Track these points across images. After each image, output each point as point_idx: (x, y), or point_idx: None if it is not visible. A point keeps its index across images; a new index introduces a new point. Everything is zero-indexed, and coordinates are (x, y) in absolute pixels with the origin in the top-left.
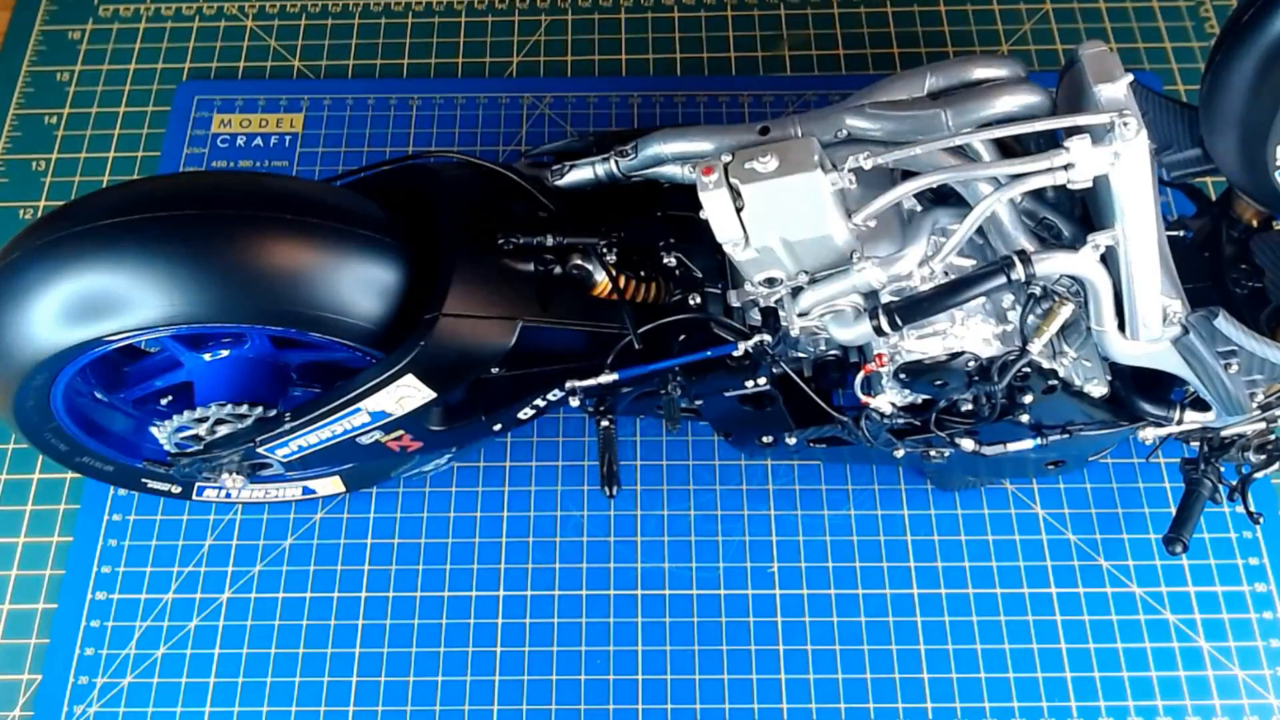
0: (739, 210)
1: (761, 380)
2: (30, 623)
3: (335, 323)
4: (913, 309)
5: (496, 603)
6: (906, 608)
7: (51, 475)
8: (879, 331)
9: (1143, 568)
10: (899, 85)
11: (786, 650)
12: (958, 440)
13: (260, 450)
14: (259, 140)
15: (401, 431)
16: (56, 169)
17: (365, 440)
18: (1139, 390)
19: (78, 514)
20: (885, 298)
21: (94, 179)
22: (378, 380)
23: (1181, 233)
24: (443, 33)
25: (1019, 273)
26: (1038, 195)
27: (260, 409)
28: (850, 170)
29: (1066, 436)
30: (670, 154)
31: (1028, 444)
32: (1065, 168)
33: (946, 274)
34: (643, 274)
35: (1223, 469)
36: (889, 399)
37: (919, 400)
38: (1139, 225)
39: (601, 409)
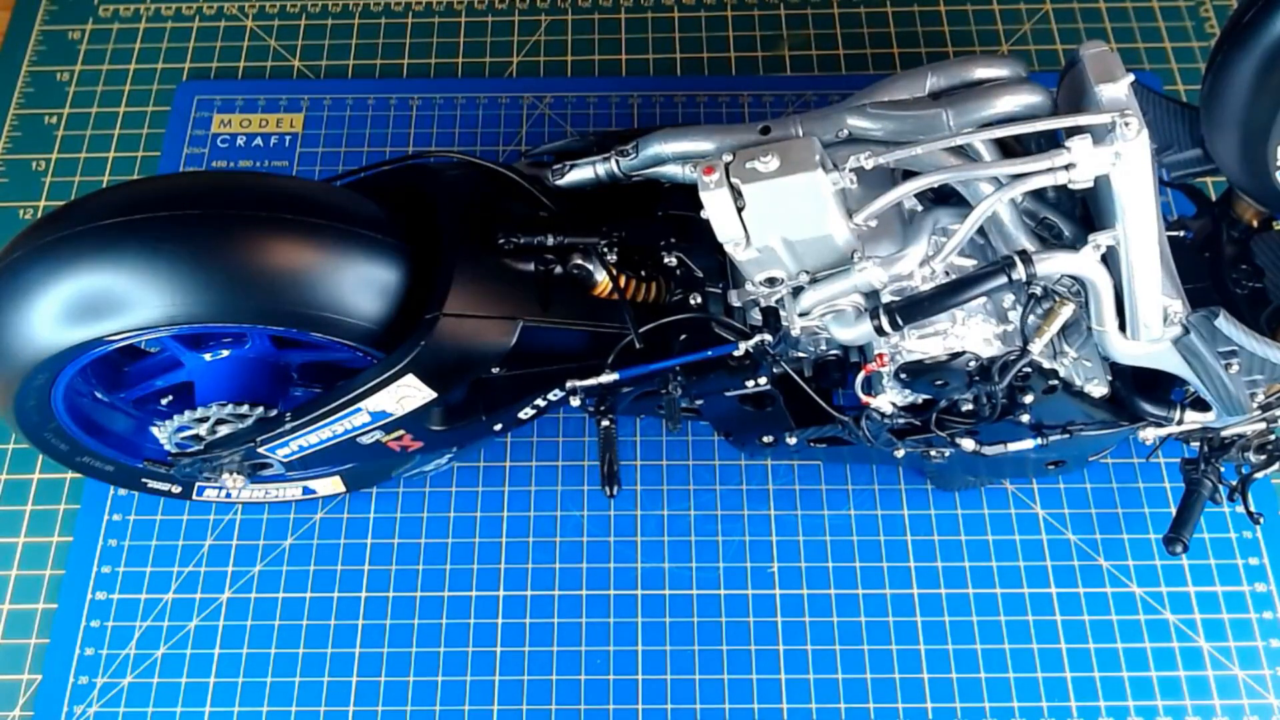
0: (740, 210)
1: (762, 380)
2: (30, 623)
3: (336, 323)
4: (913, 309)
5: (496, 603)
6: (906, 608)
7: (51, 475)
8: (880, 331)
9: (1143, 568)
10: (900, 85)
11: (786, 650)
12: (958, 440)
13: (261, 450)
14: (259, 140)
15: (402, 431)
16: (56, 169)
17: (366, 440)
18: (1139, 390)
19: (78, 514)
20: (886, 297)
21: (94, 179)
22: (378, 380)
23: (1182, 233)
24: (443, 33)
25: (1020, 273)
26: (1038, 195)
27: (261, 409)
28: (851, 170)
29: (1067, 436)
30: (671, 153)
31: (1028, 444)
32: (1066, 168)
33: (947, 274)
34: (643, 274)
35: (1223, 469)
36: (890, 399)
37: (919, 400)
38: (1140, 225)
39: (602, 409)
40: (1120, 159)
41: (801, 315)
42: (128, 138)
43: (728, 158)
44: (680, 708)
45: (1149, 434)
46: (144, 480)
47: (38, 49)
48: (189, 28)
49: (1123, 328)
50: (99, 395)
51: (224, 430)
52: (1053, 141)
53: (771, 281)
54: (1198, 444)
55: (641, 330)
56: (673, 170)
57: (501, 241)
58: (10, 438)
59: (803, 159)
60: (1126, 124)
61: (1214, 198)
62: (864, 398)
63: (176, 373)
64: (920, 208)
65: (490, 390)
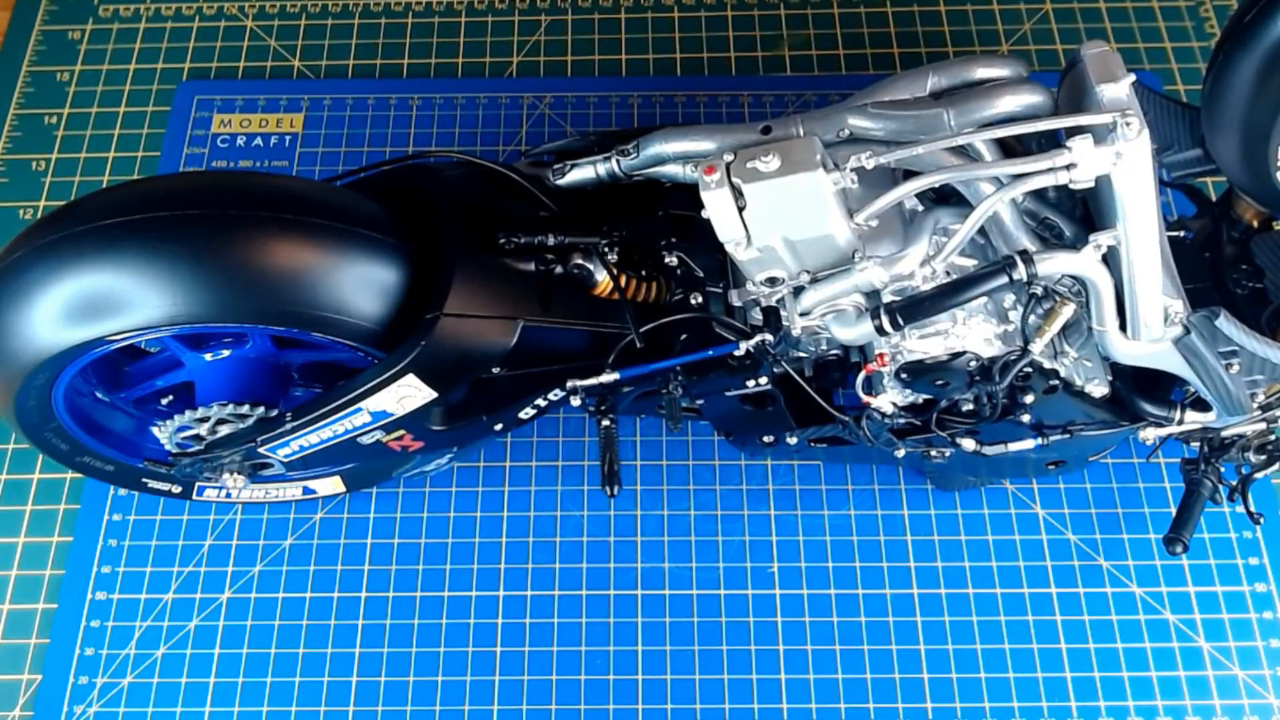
0: (741, 209)
1: (763, 380)
2: (30, 623)
3: (337, 323)
4: (914, 309)
5: (496, 603)
6: (906, 608)
7: (51, 475)
8: (880, 331)
9: (1143, 568)
10: (901, 85)
11: (786, 650)
12: (959, 440)
13: (261, 450)
14: (259, 140)
15: (403, 431)
16: (56, 169)
17: (366, 440)
18: (1139, 390)
19: (78, 514)
20: (887, 297)
21: (94, 179)
22: (379, 380)
23: (1182, 233)
24: (443, 33)
25: (1021, 272)
26: (1039, 195)
27: (261, 409)
28: (852, 170)
29: (1067, 436)
30: (672, 153)
31: (1029, 444)
32: (1067, 167)
33: (948, 274)
34: (644, 273)
35: (1223, 469)
36: (890, 399)
37: (920, 400)
38: (1141, 225)
39: (603, 408)
40: (1121, 159)
41: (802, 315)
42: (128, 138)
43: (729, 157)
44: (680, 708)
45: (1149, 434)
46: (144, 480)
47: (38, 49)
48: (189, 28)
49: (1123, 328)
50: (99, 395)
51: (225, 430)
52: (1053, 141)
53: (772, 281)
54: (1198, 444)
55: (642, 330)
56: (673, 170)
57: (502, 241)
58: (10, 438)
59: (804, 159)
60: (1128, 124)
61: (1214, 198)
62: (865, 398)
63: (177, 372)
64: (921, 207)
65: (491, 390)
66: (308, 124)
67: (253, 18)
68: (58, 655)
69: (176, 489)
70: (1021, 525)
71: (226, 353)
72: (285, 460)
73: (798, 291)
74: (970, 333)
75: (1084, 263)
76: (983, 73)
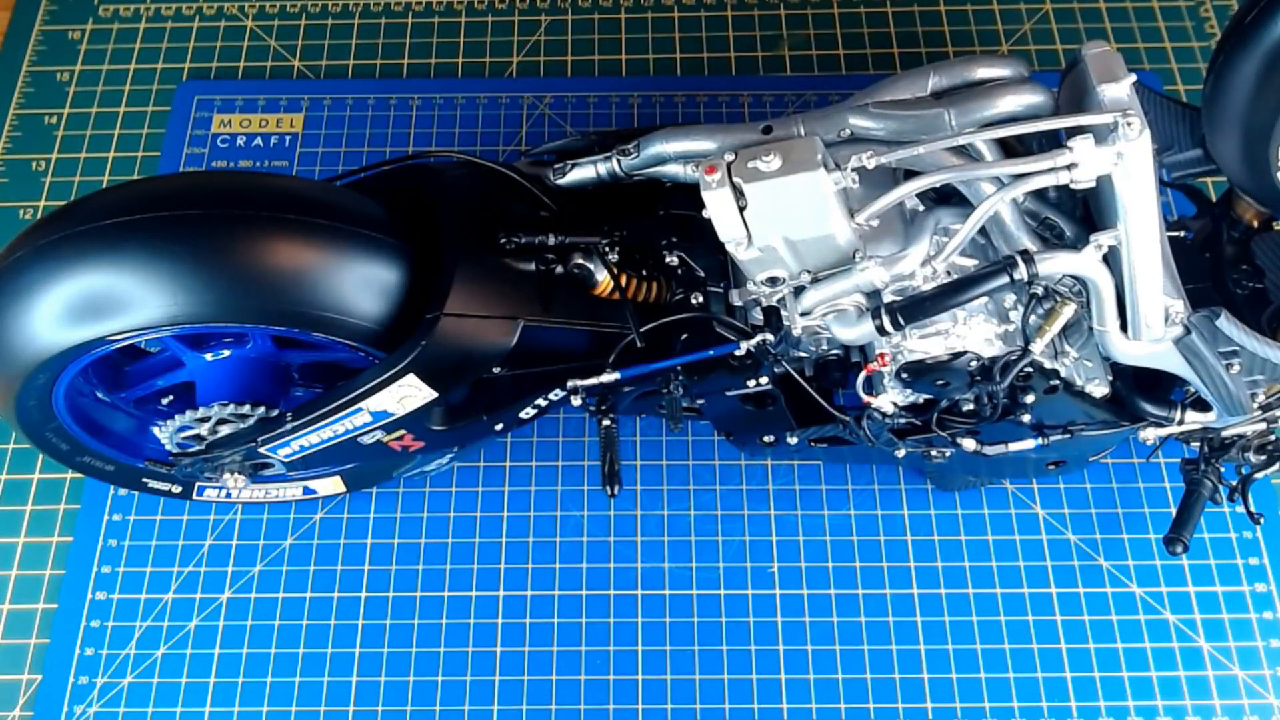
0: (742, 209)
1: (763, 380)
2: (30, 623)
3: (338, 323)
4: (915, 308)
5: (496, 603)
6: (906, 608)
7: (51, 475)
8: (881, 331)
9: (1143, 568)
10: (902, 85)
11: (786, 650)
12: (959, 440)
13: (262, 450)
14: (259, 140)
15: (403, 431)
16: (56, 169)
17: (367, 440)
18: (1140, 390)
19: (78, 514)
20: (888, 297)
21: (94, 179)
22: (379, 380)
23: (1182, 233)
24: (443, 33)
25: (1022, 272)
26: (1040, 195)
27: (262, 409)
28: (853, 169)
29: (1068, 436)
30: (673, 153)
31: (1029, 444)
32: (1068, 167)
33: (949, 273)
34: (644, 273)
35: (1223, 469)
36: (891, 399)
37: (920, 400)
38: (1142, 225)
39: (603, 408)
40: (1122, 159)
41: (803, 315)
42: (128, 138)
43: (730, 157)
44: (680, 708)
45: (1149, 434)
46: (145, 480)
47: (38, 49)
48: (189, 28)
49: (1124, 328)
50: (100, 395)
51: (225, 430)
52: (1054, 141)
53: (773, 281)
54: (1198, 444)
55: (643, 329)
56: (674, 169)
57: (502, 241)
58: (10, 437)
59: (805, 158)
60: (1129, 124)
61: (1214, 198)
62: (865, 397)
63: (178, 372)
64: (922, 207)
65: (491, 390)
66: (308, 124)
67: (253, 18)
68: (58, 655)
69: (177, 489)
70: (1021, 525)
71: (227, 353)
72: (286, 460)
73: (798, 291)
74: (971, 333)
75: (1085, 263)
76: (984, 73)
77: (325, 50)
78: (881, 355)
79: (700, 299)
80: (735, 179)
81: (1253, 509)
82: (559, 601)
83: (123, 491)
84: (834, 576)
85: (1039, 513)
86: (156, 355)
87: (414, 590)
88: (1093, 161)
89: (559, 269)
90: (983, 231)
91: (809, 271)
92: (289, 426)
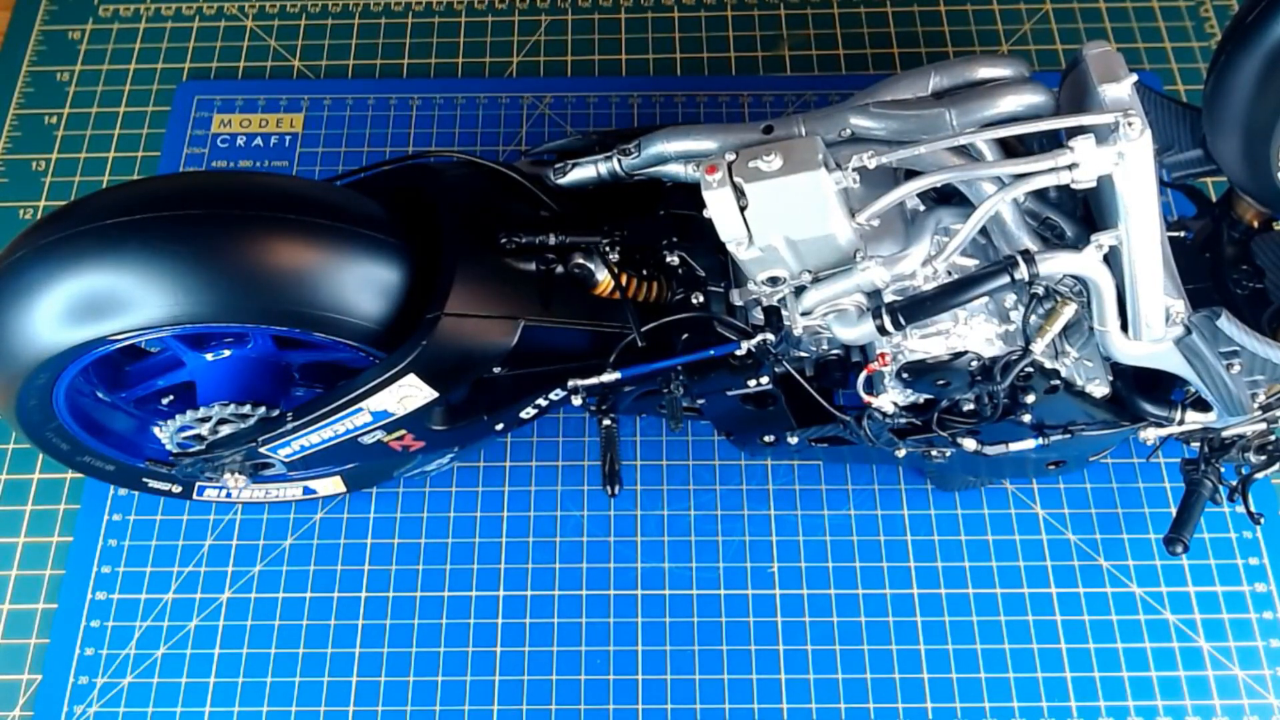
0: (743, 209)
1: (764, 379)
2: (30, 623)
3: (338, 322)
4: (916, 308)
5: (496, 603)
6: (906, 608)
7: (51, 475)
8: (882, 331)
9: (1143, 568)
10: (903, 85)
11: (786, 650)
12: (960, 440)
13: (262, 450)
14: (259, 140)
15: (404, 431)
16: (56, 169)
17: (367, 440)
18: (1140, 390)
19: (78, 514)
20: (888, 297)
21: (94, 179)
22: (380, 380)
23: (1182, 234)
24: (443, 33)
25: (1022, 272)
26: (1040, 195)
27: (263, 409)
28: (854, 169)
29: (1068, 436)
30: (674, 152)
31: (1029, 444)
32: (1069, 167)
33: (950, 273)
34: (645, 273)
35: (1223, 469)
36: (891, 398)
37: (921, 400)
38: (1143, 225)
39: (604, 408)
40: (1123, 159)
41: (804, 314)
42: (128, 138)
43: (731, 157)
44: (680, 708)
45: (1150, 434)
46: (145, 480)
47: (38, 49)
48: (189, 28)
49: (1125, 328)
50: (100, 395)
51: (226, 430)
52: (1055, 141)
53: (774, 281)
54: (1198, 444)
55: (643, 329)
56: (675, 169)
57: (503, 241)
58: (10, 437)
59: (805, 158)
60: (1130, 124)
61: (1214, 198)
62: (866, 397)
63: (178, 372)
64: (922, 207)
65: (492, 390)
66: (308, 124)
67: (253, 18)
68: (58, 655)
69: (177, 489)
70: (1021, 525)
71: (228, 352)
72: (286, 460)
73: (799, 291)
74: (972, 332)
75: (1085, 262)
76: (984, 72)
77: (325, 50)
78: (882, 355)
79: (701, 299)
80: (736, 178)
81: (1253, 509)
82: (559, 601)
83: (123, 491)
84: (834, 576)
85: (1039, 513)
86: (157, 355)
87: (414, 590)
88: (1094, 161)
89: (559, 269)
90: (983, 231)
91: (810, 271)
92: (289, 426)
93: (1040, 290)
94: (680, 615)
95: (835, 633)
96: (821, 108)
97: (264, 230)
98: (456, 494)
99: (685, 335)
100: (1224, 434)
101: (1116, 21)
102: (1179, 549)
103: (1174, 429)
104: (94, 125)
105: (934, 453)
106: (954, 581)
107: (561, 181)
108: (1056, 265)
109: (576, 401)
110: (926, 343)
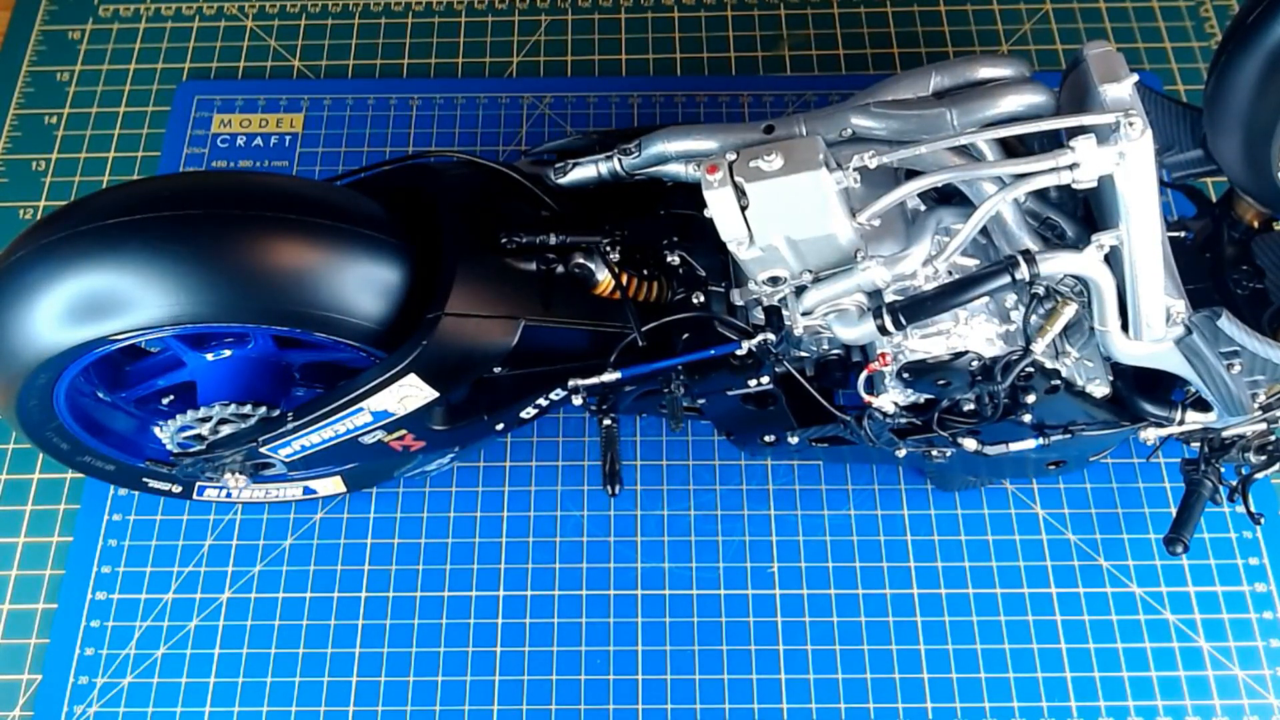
0: (743, 209)
1: (764, 379)
2: (30, 623)
3: (339, 322)
4: (916, 308)
5: (496, 603)
6: (906, 608)
7: (51, 475)
8: (883, 331)
9: (1143, 568)
10: (904, 84)
11: (786, 650)
12: (960, 440)
13: (263, 450)
14: (259, 140)
15: (404, 431)
16: (56, 169)
17: (368, 440)
18: (1140, 391)
19: (78, 514)
20: (889, 297)
21: (94, 179)
22: (380, 380)
23: (1183, 234)
24: (443, 33)
25: (1023, 272)
26: (1041, 195)
27: (263, 409)
28: (855, 169)
29: (1068, 436)
30: (674, 152)
31: (1030, 444)
32: (1070, 167)
33: (950, 273)
34: (646, 272)
35: (1223, 469)
36: (892, 398)
37: (921, 400)
38: (1143, 225)
39: (604, 408)
40: (1124, 159)
41: (804, 314)
42: (128, 138)
43: (731, 156)
44: (680, 708)
45: (1150, 434)
46: (145, 480)
47: (38, 49)
48: (189, 28)
49: (1125, 328)
50: (101, 395)
51: (226, 430)
52: (1056, 141)
53: (774, 280)
54: (1198, 444)
55: (644, 329)
56: (675, 169)
57: (503, 241)
58: (10, 437)
59: (806, 158)
60: (1130, 124)
61: (1214, 198)
62: (866, 397)
63: (179, 372)
64: (923, 207)
65: (492, 390)
66: (308, 124)
67: (253, 18)
68: (58, 655)
69: (177, 489)
70: (1021, 525)
71: (228, 352)
72: (287, 460)
73: (800, 291)
74: (972, 332)
75: (1086, 262)
76: (985, 72)
77: (325, 50)
78: (883, 355)
79: (701, 298)
80: (737, 178)
81: (1253, 509)
82: (559, 601)
83: (123, 491)
84: (834, 576)
85: (1039, 513)
86: (157, 355)
87: (414, 590)
88: (1094, 161)
89: (560, 268)
90: (984, 231)
91: (810, 271)
92: (290, 426)
93: (1041, 290)
94: (680, 615)
95: (835, 633)
96: (822, 108)
97: (264, 230)
98: (456, 494)
99: (686, 335)
100: (1224, 434)
101: (1116, 21)
102: (1179, 549)
103: (1174, 429)
104: (94, 125)
105: (934, 453)
106: (954, 581)
107: (562, 181)
108: (1057, 265)
109: (577, 401)
110: (927, 343)
